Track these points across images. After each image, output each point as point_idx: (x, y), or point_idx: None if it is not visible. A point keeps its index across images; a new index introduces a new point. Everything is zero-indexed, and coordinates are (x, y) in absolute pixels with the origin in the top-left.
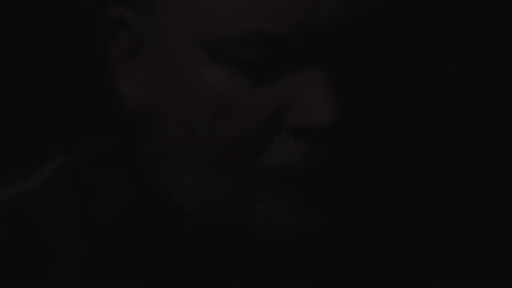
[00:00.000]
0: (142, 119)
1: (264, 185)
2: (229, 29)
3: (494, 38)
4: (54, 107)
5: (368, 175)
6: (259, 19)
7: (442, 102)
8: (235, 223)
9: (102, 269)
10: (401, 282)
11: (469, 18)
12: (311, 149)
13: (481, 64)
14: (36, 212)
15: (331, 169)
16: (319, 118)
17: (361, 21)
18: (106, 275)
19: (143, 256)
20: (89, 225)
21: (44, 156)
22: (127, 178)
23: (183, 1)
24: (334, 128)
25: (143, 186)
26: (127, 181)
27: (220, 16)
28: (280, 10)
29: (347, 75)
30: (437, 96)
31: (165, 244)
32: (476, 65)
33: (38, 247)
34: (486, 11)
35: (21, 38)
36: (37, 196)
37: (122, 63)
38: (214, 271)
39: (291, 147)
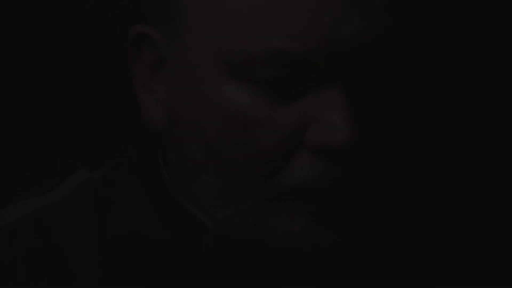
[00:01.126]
0: (164, 135)
1: (283, 202)
2: (252, 48)
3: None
4: (77, 122)
5: (386, 194)
6: (283, 39)
7: (464, 124)
8: (254, 239)
9: (122, 285)
10: None
11: (489, 35)
12: (330, 167)
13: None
14: (58, 226)
15: (349, 188)
16: (338, 138)
17: (382, 41)
18: None
19: (163, 272)
20: (110, 240)
21: (66, 170)
22: (148, 193)
23: (207, 20)
24: (352, 148)
25: (164, 202)
26: (148, 197)
27: (244, 35)
28: (303, 31)
29: (367, 95)
30: (458, 118)
31: (185, 259)
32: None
33: (59, 261)
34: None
35: (45, 51)
36: (59, 210)
37: (145, 80)
38: (233, 285)
39: (310, 165)
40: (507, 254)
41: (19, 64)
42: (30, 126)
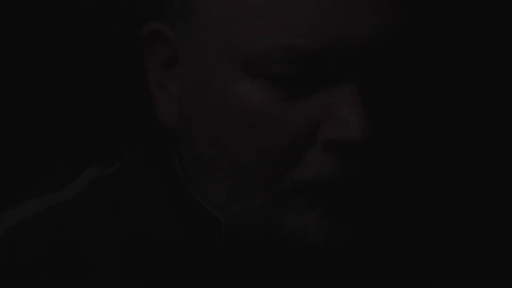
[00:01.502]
0: (177, 132)
1: (295, 198)
2: (266, 45)
3: None
4: (90, 118)
5: (399, 190)
6: (297, 36)
7: (477, 121)
8: (267, 235)
9: (137, 280)
10: None
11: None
12: (343, 163)
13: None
14: (73, 222)
15: (362, 184)
16: (351, 134)
17: (395, 38)
18: (140, 285)
19: (177, 267)
20: (125, 235)
21: (79, 166)
22: (162, 189)
23: (220, 17)
24: (365, 144)
25: (178, 197)
26: (162, 192)
27: (258, 32)
28: (317, 28)
29: (380, 92)
30: (472, 115)
31: (198, 255)
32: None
33: (74, 258)
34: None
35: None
36: (73, 207)
37: (158, 77)
38: (245, 281)
39: (323, 161)
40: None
41: (19, 64)
42: (36, 125)
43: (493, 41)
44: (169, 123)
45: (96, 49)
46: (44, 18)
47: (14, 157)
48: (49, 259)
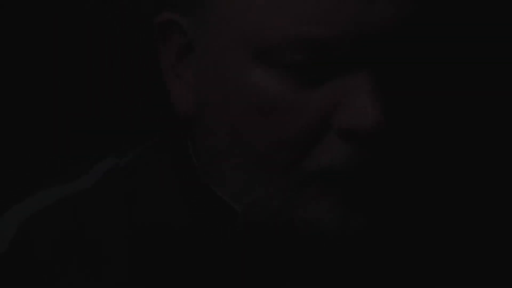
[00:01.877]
0: (192, 121)
1: (310, 187)
2: (279, 34)
3: None
4: (106, 108)
5: (413, 178)
6: (310, 24)
7: (492, 104)
8: (282, 223)
9: (151, 269)
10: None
11: None
12: (357, 151)
13: None
14: (88, 212)
15: (376, 172)
16: (365, 122)
17: (409, 25)
18: (155, 275)
19: (192, 256)
20: (139, 225)
21: (94, 157)
22: (177, 178)
23: (235, 6)
24: (379, 132)
25: (193, 186)
26: (178, 181)
27: (271, 21)
28: (330, 15)
29: (394, 78)
30: (486, 99)
31: (213, 243)
32: None
33: (89, 248)
34: None
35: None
36: (88, 197)
37: (173, 66)
38: (261, 269)
39: (337, 149)
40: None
41: (19, 64)
42: (36, 125)
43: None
44: (184, 112)
45: (97, 46)
46: (44, 17)
47: (13, 157)
48: (64, 249)
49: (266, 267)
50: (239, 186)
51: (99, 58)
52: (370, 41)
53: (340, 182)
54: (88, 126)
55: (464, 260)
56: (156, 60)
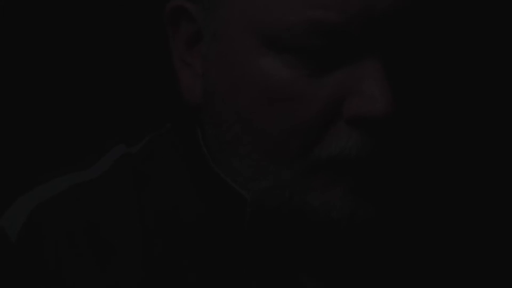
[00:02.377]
0: (201, 109)
1: (320, 174)
2: (289, 19)
3: None
4: (115, 97)
5: (423, 166)
6: (320, 9)
7: (504, 96)
8: (292, 211)
9: (163, 257)
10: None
11: None
12: (367, 139)
13: None
14: (97, 201)
15: (387, 159)
16: (376, 109)
17: (420, 10)
18: (167, 262)
19: (202, 243)
20: (150, 213)
21: (104, 145)
22: (187, 167)
23: None
24: (390, 119)
25: (203, 175)
26: (187, 170)
27: (281, 6)
28: (340, 0)
29: (404, 65)
30: (498, 90)
31: (224, 232)
32: None
33: (99, 236)
34: None
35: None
36: (99, 185)
37: (182, 55)
38: (270, 258)
39: (347, 137)
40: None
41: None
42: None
43: None
44: (193, 100)
45: (97, 43)
46: (44, 16)
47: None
48: (75, 238)
49: (277, 254)
50: (248, 174)
51: (161, 50)
52: (380, 26)
53: (350, 170)
54: (148, 115)
55: (463, 256)
56: (163, 49)
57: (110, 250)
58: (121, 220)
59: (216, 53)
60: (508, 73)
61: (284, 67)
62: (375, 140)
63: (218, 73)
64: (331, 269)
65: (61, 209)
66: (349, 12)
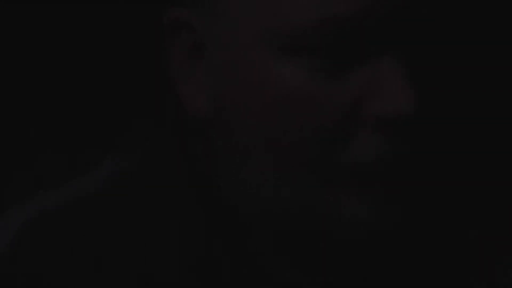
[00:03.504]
0: (206, 122)
1: (343, 182)
2: (303, 18)
3: None
4: (112, 108)
5: (449, 170)
6: (331, 4)
7: None
8: (313, 220)
9: (160, 273)
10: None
11: None
12: (390, 140)
13: None
14: (92, 214)
15: (412, 163)
16: (398, 108)
17: (439, 3)
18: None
19: (203, 258)
20: (146, 226)
21: (99, 157)
22: (184, 182)
23: None
24: (414, 119)
25: (200, 188)
26: (184, 185)
27: (292, 5)
28: None
29: (425, 64)
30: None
31: (224, 248)
32: None
33: (98, 250)
34: None
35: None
36: (94, 198)
37: (182, 67)
38: (297, 270)
39: (369, 141)
40: None
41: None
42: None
43: None
44: (197, 113)
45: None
46: (44, 16)
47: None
48: (65, 260)
49: (303, 267)
50: (262, 185)
51: (158, 61)
52: (397, 20)
53: (375, 175)
54: (142, 127)
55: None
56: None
57: (109, 261)
58: (116, 233)
59: (223, 63)
60: None
61: (299, 72)
62: (399, 141)
63: (226, 83)
64: (354, 276)
65: (50, 229)
66: (364, 5)
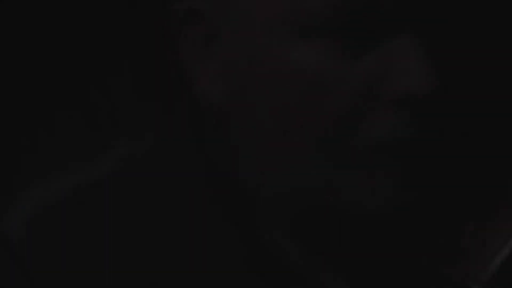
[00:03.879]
0: (221, 109)
1: (362, 161)
2: (314, 1)
3: None
4: (121, 97)
5: (469, 149)
6: None
7: None
8: (331, 199)
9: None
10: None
11: None
12: (408, 120)
13: None
14: (97, 203)
15: (432, 141)
16: (415, 86)
17: None
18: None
19: (216, 246)
20: (153, 215)
21: (107, 145)
22: (199, 170)
23: None
24: (432, 97)
25: (215, 176)
26: (199, 174)
27: None
28: None
29: (440, 43)
30: None
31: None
32: None
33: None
34: None
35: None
36: (99, 186)
37: (196, 57)
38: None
39: (387, 120)
40: None
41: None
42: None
43: None
44: (214, 102)
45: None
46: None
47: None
48: (79, 240)
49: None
50: (283, 167)
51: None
52: None
53: (394, 154)
54: (150, 114)
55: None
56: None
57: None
58: (120, 223)
59: (238, 49)
60: None
61: (316, 52)
62: (417, 120)
63: (242, 69)
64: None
65: (61, 212)
66: None
